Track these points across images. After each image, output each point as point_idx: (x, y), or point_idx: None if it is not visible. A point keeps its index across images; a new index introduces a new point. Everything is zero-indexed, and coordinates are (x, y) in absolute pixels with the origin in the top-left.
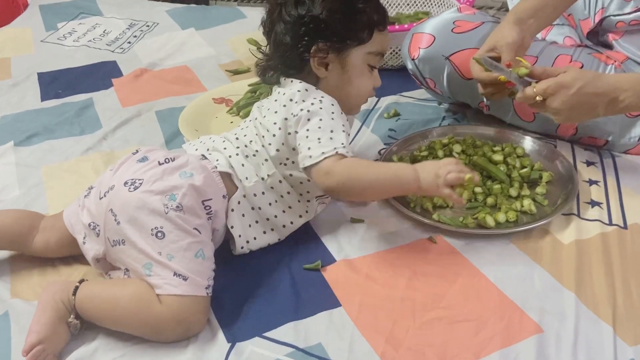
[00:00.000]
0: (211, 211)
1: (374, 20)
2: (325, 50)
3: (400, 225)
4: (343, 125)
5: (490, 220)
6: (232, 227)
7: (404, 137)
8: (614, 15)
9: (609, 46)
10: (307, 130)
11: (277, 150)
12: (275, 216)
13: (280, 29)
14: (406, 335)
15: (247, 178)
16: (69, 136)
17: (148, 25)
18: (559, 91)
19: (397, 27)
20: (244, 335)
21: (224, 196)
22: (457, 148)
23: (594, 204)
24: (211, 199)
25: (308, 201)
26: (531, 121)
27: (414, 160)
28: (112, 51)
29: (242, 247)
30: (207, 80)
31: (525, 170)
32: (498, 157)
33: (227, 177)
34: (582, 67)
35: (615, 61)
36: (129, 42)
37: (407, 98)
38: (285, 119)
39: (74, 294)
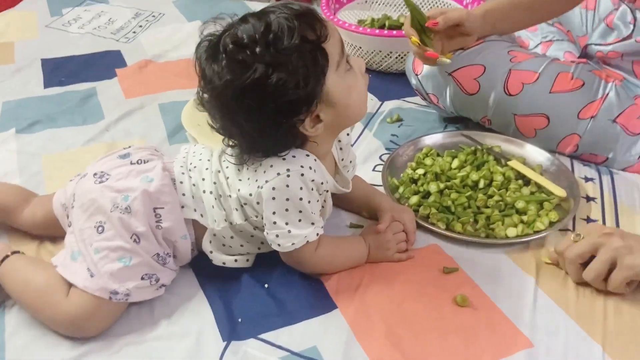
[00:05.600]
0: (161, 219)
1: (316, 44)
2: (304, 114)
3: None
4: (317, 200)
5: (504, 232)
6: (213, 260)
7: (405, 142)
8: (596, 44)
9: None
10: (274, 213)
11: (242, 206)
12: (249, 252)
13: (249, 126)
14: (400, 343)
15: (215, 221)
16: (71, 125)
17: (154, 16)
18: (604, 234)
19: (395, 32)
20: (240, 335)
21: (182, 206)
22: (454, 164)
23: (589, 221)
24: (163, 208)
25: None
26: (532, 137)
27: (414, 181)
28: (117, 40)
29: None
30: None
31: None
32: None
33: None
34: (583, 84)
35: (614, 80)
36: (134, 32)
37: (410, 103)
38: (249, 184)
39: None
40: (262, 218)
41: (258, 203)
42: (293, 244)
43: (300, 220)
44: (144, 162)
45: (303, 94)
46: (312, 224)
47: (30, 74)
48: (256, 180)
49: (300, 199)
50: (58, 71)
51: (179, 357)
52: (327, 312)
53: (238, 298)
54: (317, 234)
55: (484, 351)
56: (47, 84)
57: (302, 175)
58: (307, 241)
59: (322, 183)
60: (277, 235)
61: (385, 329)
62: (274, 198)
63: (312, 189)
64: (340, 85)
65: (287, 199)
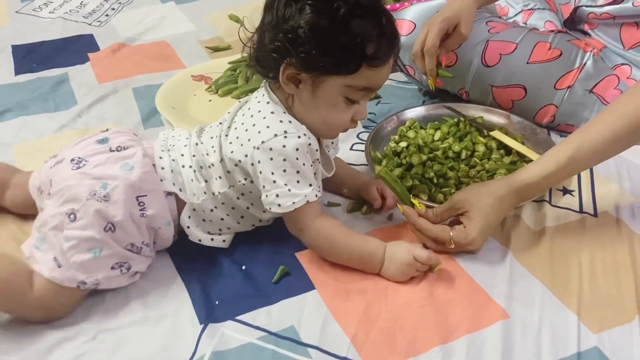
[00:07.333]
0: (145, 207)
1: (365, 55)
2: (297, 66)
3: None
4: (311, 164)
5: None
6: (190, 236)
7: (388, 116)
8: (586, 6)
9: (587, 33)
10: (272, 173)
11: (228, 172)
12: (228, 228)
13: (267, 21)
14: (377, 319)
15: (195, 194)
16: (43, 112)
17: None
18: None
19: None
20: (217, 317)
21: (168, 194)
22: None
23: (565, 191)
24: (146, 195)
25: (264, 211)
26: (510, 108)
27: (397, 154)
28: (89, 24)
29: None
30: (187, 57)
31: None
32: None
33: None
34: (560, 54)
35: (593, 49)
36: (107, 15)
37: (387, 80)
38: (242, 144)
39: None
40: (257, 180)
41: (252, 165)
42: (294, 202)
43: (298, 182)
44: (124, 149)
45: (304, 46)
46: (310, 185)
47: (1, 61)
48: (249, 140)
49: (297, 158)
50: (29, 57)
51: (156, 342)
52: (305, 292)
53: (215, 281)
54: (316, 195)
55: (461, 323)
56: (18, 71)
57: (299, 137)
58: (307, 201)
59: (316, 150)
60: (277, 195)
61: (363, 305)
62: (271, 158)
63: (307, 152)
64: (329, 94)
65: (284, 160)
